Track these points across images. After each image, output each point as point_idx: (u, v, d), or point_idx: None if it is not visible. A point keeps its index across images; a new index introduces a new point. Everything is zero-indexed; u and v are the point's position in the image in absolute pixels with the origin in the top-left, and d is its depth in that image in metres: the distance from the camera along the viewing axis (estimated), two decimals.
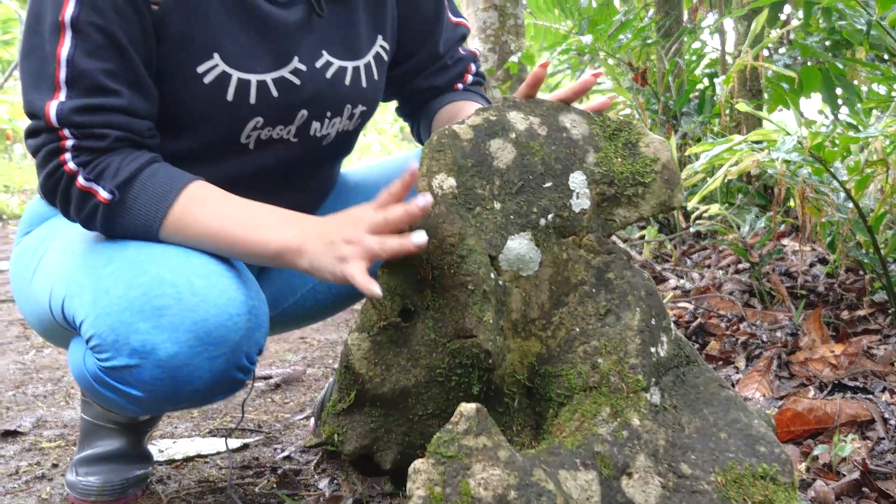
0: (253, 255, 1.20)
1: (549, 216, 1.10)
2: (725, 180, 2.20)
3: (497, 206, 1.08)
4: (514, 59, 4.22)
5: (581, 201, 1.12)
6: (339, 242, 1.11)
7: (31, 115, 1.20)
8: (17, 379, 2.44)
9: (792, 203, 3.07)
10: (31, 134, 1.22)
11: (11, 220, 6.31)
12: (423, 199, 1.04)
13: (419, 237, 1.04)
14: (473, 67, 1.61)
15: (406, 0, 1.49)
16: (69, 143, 1.18)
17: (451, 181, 1.06)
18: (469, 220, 1.06)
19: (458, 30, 1.59)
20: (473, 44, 4.88)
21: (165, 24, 1.24)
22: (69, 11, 1.16)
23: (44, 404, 2.20)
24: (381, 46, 1.45)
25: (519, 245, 1.08)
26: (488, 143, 1.09)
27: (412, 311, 1.09)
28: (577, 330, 1.08)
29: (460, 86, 1.59)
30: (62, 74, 1.17)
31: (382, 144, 15.32)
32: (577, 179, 1.12)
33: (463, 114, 1.47)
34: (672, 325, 1.14)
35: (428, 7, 1.52)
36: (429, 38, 1.54)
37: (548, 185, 1.11)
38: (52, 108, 1.17)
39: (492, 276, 1.05)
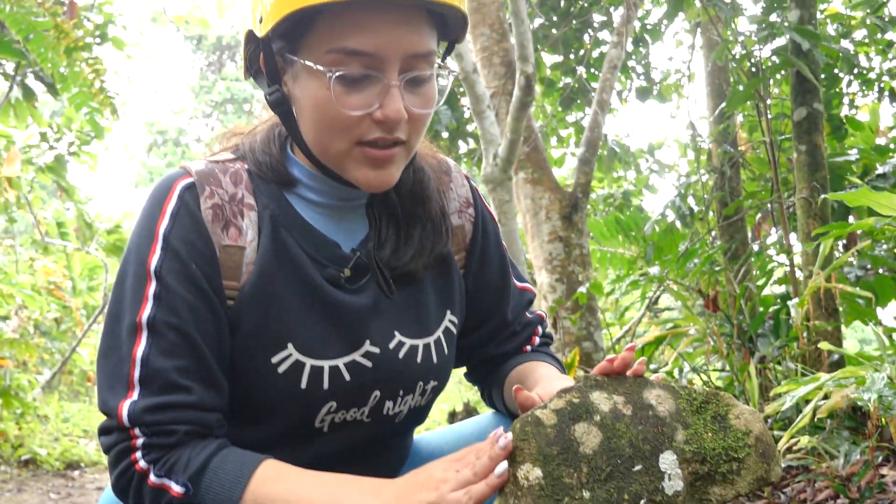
0: None
1: (642, 502, 1.05)
2: (815, 419, 2.13)
3: (586, 494, 1.03)
4: (582, 289, 4.25)
5: (673, 483, 1.07)
6: None
7: (105, 413, 1.22)
8: None
9: (883, 420, 2.94)
10: (103, 432, 1.23)
11: (89, 468, 6.34)
12: (504, 439, 1.05)
13: (501, 467, 1.03)
14: (541, 329, 1.61)
15: (473, 275, 1.51)
16: (140, 441, 1.19)
17: (538, 472, 1.03)
18: None
19: (524, 295, 1.60)
20: (541, 276, 4.96)
21: (241, 319, 1.27)
22: (147, 312, 1.20)
23: None
24: (450, 321, 1.46)
25: None
26: (573, 428, 1.06)
27: None
28: None
29: (528, 348, 1.58)
30: (136, 373, 1.19)
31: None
32: (667, 460, 1.07)
33: (530, 375, 1.45)
34: None
35: (494, 279, 1.54)
36: (497, 307, 1.55)
37: (637, 468, 1.06)
38: (125, 408, 1.18)
39: None
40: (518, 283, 1.59)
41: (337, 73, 1.19)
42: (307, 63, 1.21)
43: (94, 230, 8.68)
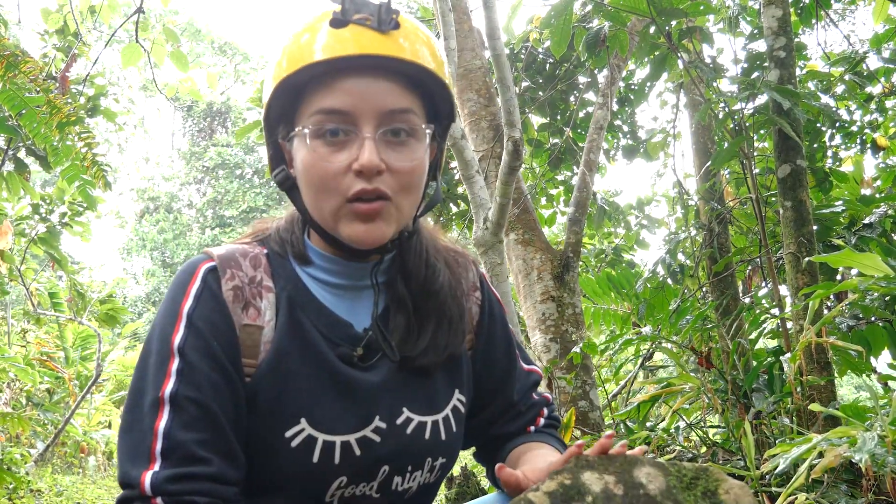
0: None
1: None
2: (809, 480, 2.13)
3: None
4: (576, 349, 4.26)
5: None
6: None
7: (125, 485, 1.25)
8: None
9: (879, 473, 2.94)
10: (122, 503, 1.25)
11: None
12: None
13: None
14: (546, 412, 1.65)
15: (480, 356, 1.56)
16: None
17: None
18: None
19: (530, 377, 1.64)
20: (535, 336, 4.96)
21: (257, 394, 1.32)
22: (169, 387, 1.25)
23: None
24: (459, 399, 1.50)
25: None
26: None
27: None
28: None
29: (532, 428, 1.62)
30: (158, 446, 1.23)
31: None
32: None
33: (530, 455, 1.49)
34: None
35: (500, 360, 1.58)
36: (503, 388, 1.59)
37: None
38: (147, 478, 1.21)
39: None
40: (525, 366, 1.64)
41: (312, 128, 1.28)
42: (297, 131, 1.31)
43: (86, 300, 8.67)
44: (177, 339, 1.28)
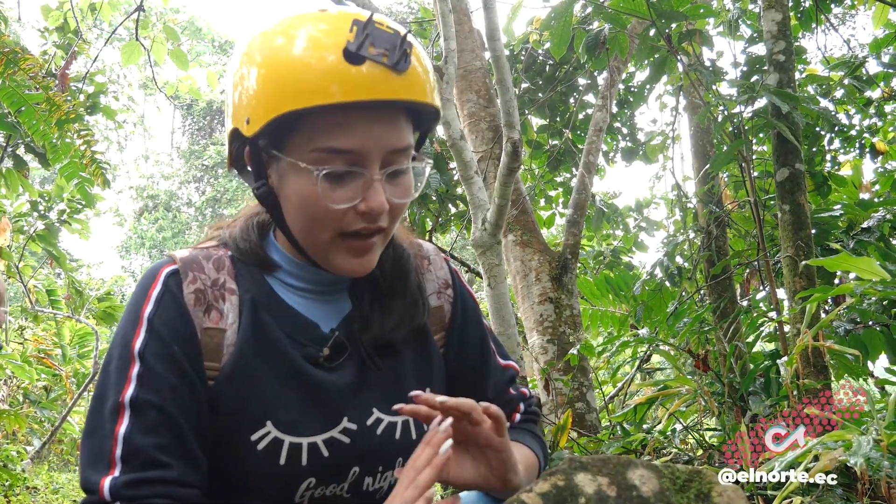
0: None
1: None
2: (805, 483, 2.13)
3: None
4: (573, 350, 4.26)
5: None
6: None
7: (86, 490, 1.24)
8: None
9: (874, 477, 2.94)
10: None
11: None
12: (446, 423, 1.24)
13: (445, 446, 1.24)
14: (523, 406, 1.64)
15: (453, 354, 1.55)
16: None
17: None
18: None
19: (506, 372, 1.63)
20: (532, 337, 4.96)
21: (221, 398, 1.31)
22: (129, 392, 1.25)
23: None
24: None
25: None
26: None
27: None
28: None
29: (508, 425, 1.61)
30: (118, 451, 1.23)
31: None
32: None
33: None
34: None
35: (474, 358, 1.57)
36: (478, 384, 1.57)
37: None
38: (106, 484, 1.21)
39: None
40: (501, 361, 1.62)
41: (324, 171, 1.24)
42: (293, 161, 1.26)
43: (84, 298, 8.67)
44: (137, 344, 1.27)
